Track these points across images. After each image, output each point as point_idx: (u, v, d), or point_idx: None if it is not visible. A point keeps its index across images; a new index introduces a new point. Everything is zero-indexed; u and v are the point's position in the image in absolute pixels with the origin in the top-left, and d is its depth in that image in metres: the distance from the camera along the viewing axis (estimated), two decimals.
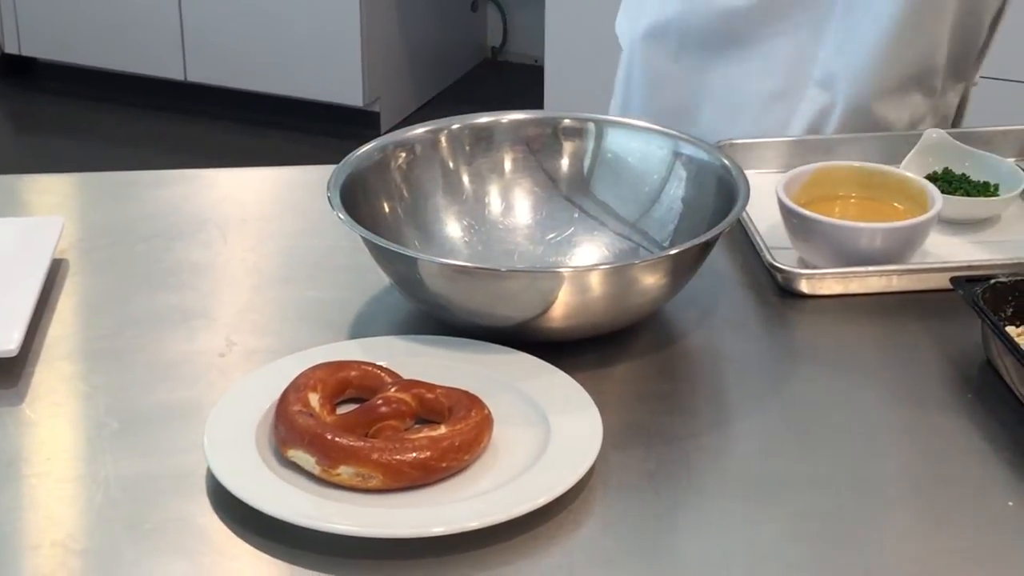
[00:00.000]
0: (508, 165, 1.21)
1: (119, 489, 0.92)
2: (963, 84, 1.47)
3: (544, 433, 0.94)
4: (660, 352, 1.08)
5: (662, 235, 1.16)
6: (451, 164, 1.20)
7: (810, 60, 1.40)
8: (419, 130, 1.19)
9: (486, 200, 1.20)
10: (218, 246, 1.24)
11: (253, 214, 1.30)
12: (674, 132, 1.18)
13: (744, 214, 1.19)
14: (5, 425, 0.99)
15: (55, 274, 1.17)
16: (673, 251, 1.04)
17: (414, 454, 0.90)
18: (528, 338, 1.03)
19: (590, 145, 1.21)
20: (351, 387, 0.98)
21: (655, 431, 0.98)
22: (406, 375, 0.98)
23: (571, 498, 0.90)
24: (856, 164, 1.25)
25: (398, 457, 0.90)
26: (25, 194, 1.37)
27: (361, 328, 1.09)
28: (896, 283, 1.15)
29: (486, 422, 0.94)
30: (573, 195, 1.21)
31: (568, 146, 1.21)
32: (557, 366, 1.00)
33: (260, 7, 3.74)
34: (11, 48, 4.16)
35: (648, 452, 0.96)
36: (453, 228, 1.18)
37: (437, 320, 1.07)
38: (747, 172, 1.13)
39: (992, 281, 1.05)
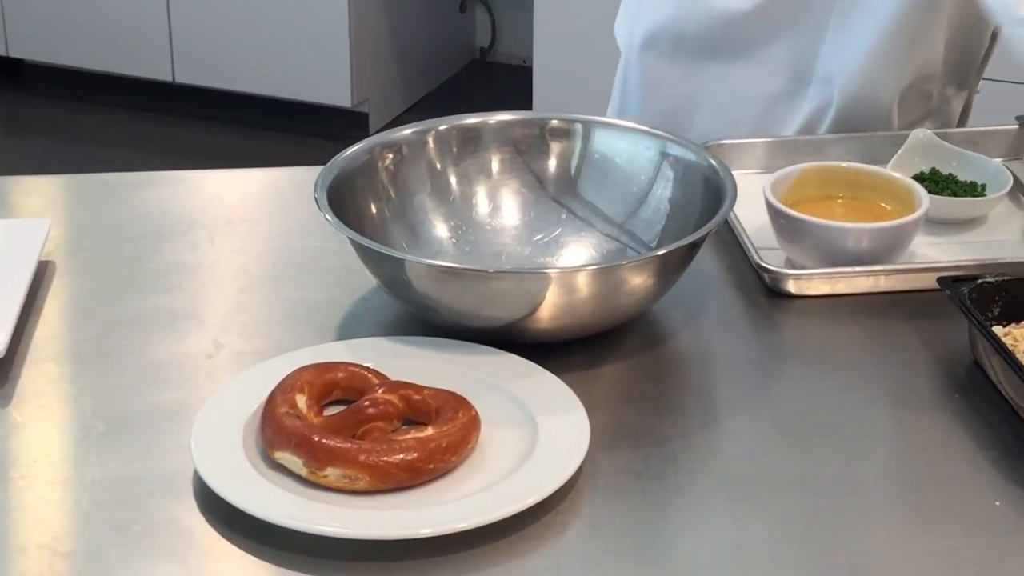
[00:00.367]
0: (496, 166, 1.21)
1: (106, 491, 0.92)
2: (966, 92, 1.47)
3: (531, 434, 0.94)
4: (648, 353, 1.08)
5: (649, 236, 1.16)
6: (438, 165, 1.20)
7: (809, 60, 1.40)
8: (406, 131, 1.19)
9: (473, 201, 1.20)
10: (206, 247, 1.23)
11: (241, 215, 1.30)
12: (661, 133, 1.18)
13: (731, 214, 1.19)
14: None
15: (42, 276, 1.16)
16: (660, 252, 1.04)
17: (401, 456, 0.90)
18: (516, 339, 1.03)
19: (577, 146, 1.21)
20: (338, 389, 0.98)
21: (643, 432, 0.98)
22: (393, 376, 0.98)
23: (558, 499, 0.90)
24: (843, 164, 1.25)
25: (385, 459, 0.90)
26: (12, 196, 1.37)
27: (348, 329, 1.09)
28: (883, 283, 1.15)
29: (473, 423, 0.94)
30: (560, 196, 1.21)
31: (555, 147, 1.21)
32: (545, 367, 1.00)
33: (248, 8, 3.74)
34: None
35: (636, 453, 0.96)
36: (440, 229, 1.18)
37: (424, 321, 1.07)
38: (734, 173, 1.13)
39: (979, 281, 1.05)
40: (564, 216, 1.20)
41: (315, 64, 3.71)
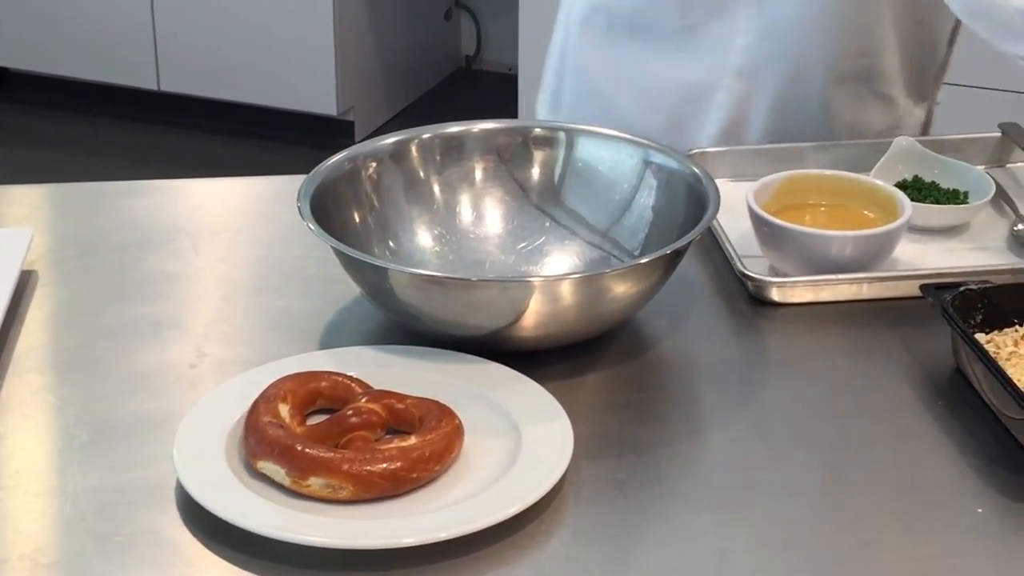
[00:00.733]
0: (479, 175, 1.21)
1: (88, 501, 0.92)
2: (926, 103, 1.47)
3: (515, 443, 0.94)
4: (631, 361, 1.08)
5: (633, 244, 1.16)
6: (422, 174, 1.20)
7: (728, 50, 1.39)
8: (389, 140, 1.19)
9: (457, 210, 1.20)
10: (189, 256, 1.23)
11: (225, 224, 1.30)
12: (644, 141, 1.18)
13: (715, 222, 1.19)
14: None
15: (24, 285, 1.16)
16: (643, 260, 1.04)
17: (384, 465, 0.90)
18: (499, 347, 1.03)
19: (561, 154, 1.21)
20: (321, 398, 0.98)
21: (626, 440, 0.98)
22: (376, 385, 0.98)
23: (542, 508, 0.90)
24: (826, 172, 1.25)
25: (368, 468, 0.89)
26: None
27: (332, 338, 1.09)
28: (866, 291, 1.15)
29: (457, 432, 0.93)
30: (544, 204, 1.21)
31: (539, 155, 1.21)
32: (528, 375, 1.00)
33: (234, 16, 3.74)
34: None
35: (619, 461, 0.96)
36: (424, 238, 1.18)
37: (408, 330, 1.07)
38: (717, 180, 1.13)
39: (962, 288, 1.05)
40: (547, 224, 1.20)
41: (300, 72, 3.71)
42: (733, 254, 1.18)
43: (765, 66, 1.38)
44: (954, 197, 1.28)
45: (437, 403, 0.95)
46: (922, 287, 1.07)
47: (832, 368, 1.08)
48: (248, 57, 3.75)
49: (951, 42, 1.45)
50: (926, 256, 1.21)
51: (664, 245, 1.05)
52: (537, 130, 1.22)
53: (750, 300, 1.15)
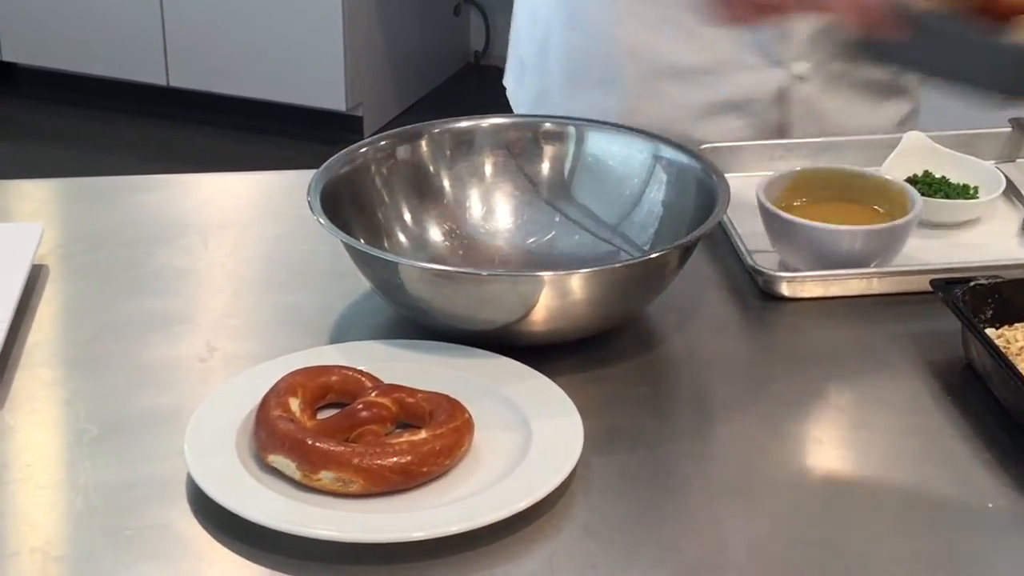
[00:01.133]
0: (489, 169, 1.21)
1: (99, 495, 0.92)
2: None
3: (525, 437, 0.94)
4: (641, 356, 1.08)
5: (643, 238, 1.16)
6: (431, 168, 1.20)
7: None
8: (399, 135, 1.19)
9: (467, 204, 1.20)
10: (199, 251, 1.23)
11: (234, 219, 1.30)
12: (654, 135, 1.18)
13: (725, 217, 1.19)
14: None
15: (35, 280, 1.16)
16: (653, 254, 1.04)
17: (395, 459, 0.90)
18: (509, 342, 1.03)
19: (570, 149, 1.21)
20: (332, 392, 0.98)
21: (636, 435, 0.98)
22: (387, 380, 0.98)
23: (552, 502, 0.90)
24: (836, 167, 1.25)
25: (379, 462, 0.90)
26: (5, 199, 1.36)
27: (342, 333, 1.09)
28: (876, 286, 1.15)
29: (467, 426, 0.93)
30: (554, 199, 1.21)
31: (548, 150, 1.21)
32: (538, 370, 1.00)
33: (243, 12, 3.74)
34: None
35: (629, 456, 0.96)
36: (434, 233, 1.18)
37: (418, 325, 1.07)
38: (727, 175, 1.13)
39: (972, 283, 1.05)
40: (557, 219, 1.20)
41: (309, 68, 3.71)
42: (743, 249, 1.18)
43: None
44: (964, 192, 1.28)
45: (447, 397, 0.96)
46: (932, 282, 1.07)
47: (842, 363, 1.08)
48: (257, 52, 3.75)
49: None
50: (936, 251, 1.21)
51: (674, 240, 1.05)
52: (547, 125, 1.22)
53: (760, 295, 1.15)
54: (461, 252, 1.17)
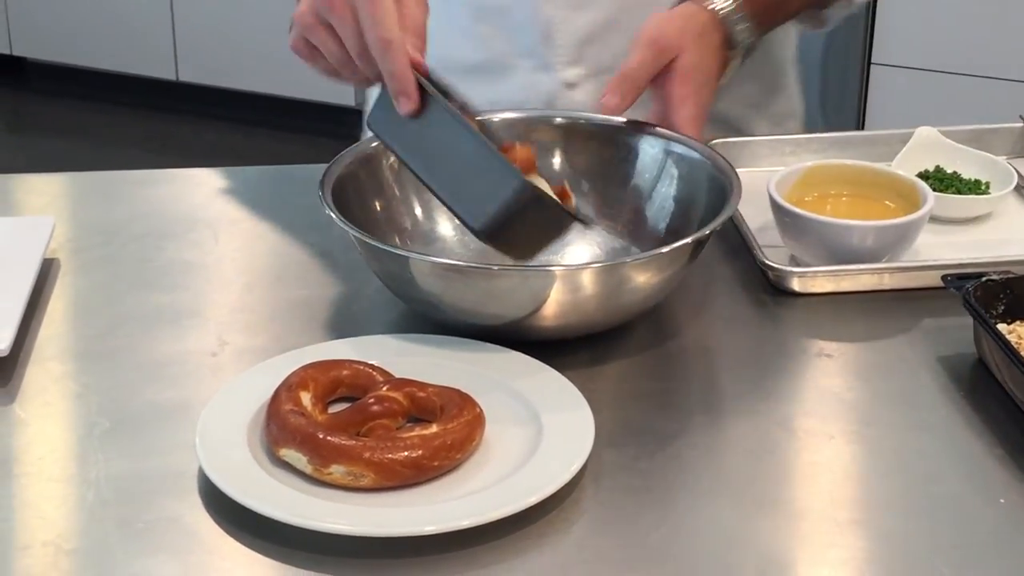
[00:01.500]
0: None
1: (110, 488, 0.92)
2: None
3: (536, 432, 0.94)
4: (652, 350, 1.08)
5: (654, 233, 1.16)
6: None
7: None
8: None
9: None
10: (209, 245, 1.23)
11: (244, 213, 1.30)
12: (665, 131, 1.18)
13: (736, 212, 1.19)
14: None
15: (46, 274, 1.16)
16: (665, 249, 1.04)
17: (406, 453, 0.90)
18: (520, 337, 1.03)
19: (582, 144, 1.21)
20: (343, 386, 0.98)
21: (647, 429, 0.98)
22: (398, 374, 0.98)
23: (563, 497, 0.90)
24: (848, 162, 1.25)
25: (390, 456, 0.90)
26: (15, 194, 1.37)
27: (352, 327, 1.09)
28: (888, 281, 1.15)
29: (478, 421, 0.93)
30: None
31: (561, 143, 1.21)
32: (549, 364, 1.00)
33: (251, 7, 3.74)
34: (2, 48, 4.16)
35: (640, 450, 0.96)
36: (444, 227, 1.18)
37: (429, 319, 1.07)
38: (739, 170, 1.13)
39: (983, 279, 1.05)
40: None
41: None
42: (754, 244, 1.18)
43: None
44: (976, 187, 1.27)
45: (458, 392, 0.96)
46: (944, 277, 1.07)
47: (853, 358, 1.08)
48: (266, 47, 3.76)
49: None
50: (947, 246, 1.21)
51: (685, 234, 1.05)
52: (558, 119, 1.22)
53: (771, 290, 1.15)
54: (472, 246, 1.17)
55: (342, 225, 1.05)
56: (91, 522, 0.90)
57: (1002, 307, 1.05)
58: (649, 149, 1.18)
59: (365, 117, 1.16)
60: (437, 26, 1.25)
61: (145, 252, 1.22)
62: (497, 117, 1.21)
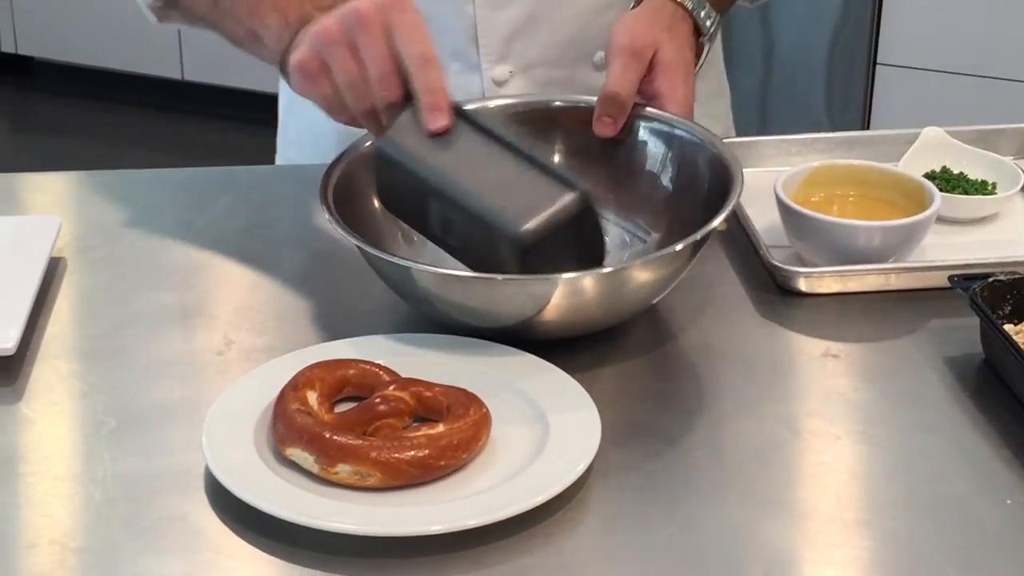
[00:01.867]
0: None
1: (117, 487, 0.92)
2: None
3: (542, 431, 0.94)
4: (657, 349, 1.08)
5: (656, 225, 1.15)
6: None
7: None
8: None
9: None
10: (215, 245, 1.23)
11: (250, 213, 1.30)
12: (668, 121, 1.17)
13: (743, 212, 1.19)
14: (2, 423, 0.99)
15: (52, 273, 1.17)
16: (664, 252, 1.03)
17: (412, 452, 0.90)
18: (522, 337, 1.03)
19: (583, 134, 1.20)
20: (349, 385, 0.98)
21: (653, 429, 0.98)
22: (404, 374, 0.98)
23: (569, 496, 0.90)
24: (854, 162, 1.25)
25: (396, 455, 0.90)
26: (22, 192, 1.37)
27: (359, 327, 1.09)
28: (894, 281, 1.15)
29: (484, 420, 0.93)
30: None
31: (563, 136, 1.20)
32: (554, 364, 1.00)
33: None
34: (8, 47, 4.16)
35: (646, 450, 0.96)
36: None
37: (434, 320, 1.07)
38: (745, 170, 1.12)
39: (990, 279, 1.05)
40: None
41: None
42: (760, 244, 1.17)
43: None
44: (982, 188, 1.27)
45: (464, 391, 0.96)
46: (951, 278, 1.07)
47: (859, 358, 1.08)
48: None
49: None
50: (954, 247, 1.21)
51: (688, 225, 1.04)
52: (557, 103, 1.21)
53: (777, 290, 1.15)
54: None
55: (342, 232, 1.04)
56: (97, 521, 0.90)
57: (1009, 307, 1.05)
58: (651, 139, 1.18)
59: None
60: None
61: (151, 251, 1.22)
62: (493, 104, 1.21)
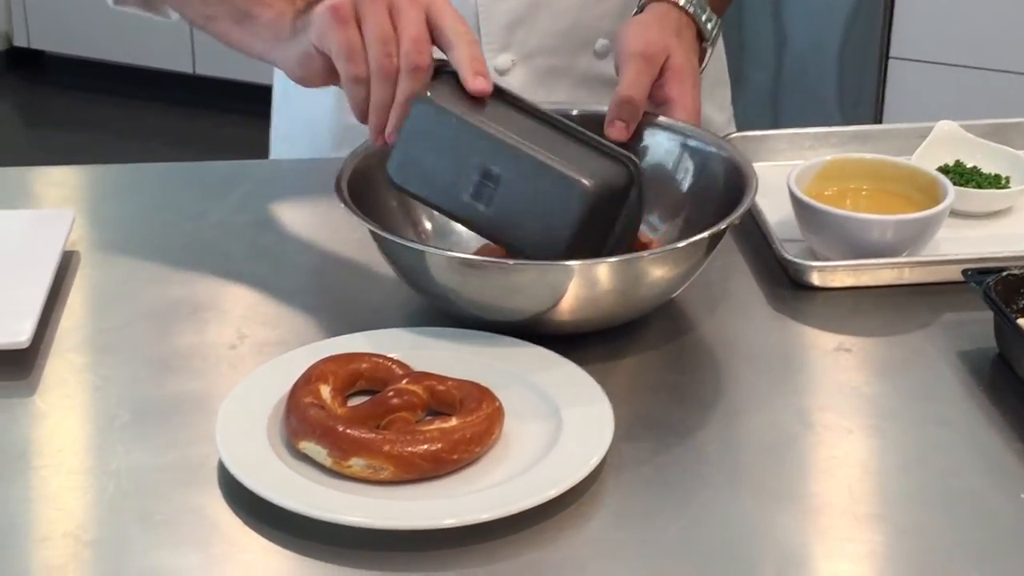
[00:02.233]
0: None
1: (130, 480, 0.92)
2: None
3: (555, 425, 0.94)
4: (670, 344, 1.08)
5: (670, 227, 1.15)
6: None
7: None
8: None
9: None
10: (227, 238, 1.23)
11: (262, 206, 1.30)
12: (681, 125, 1.18)
13: (755, 206, 1.19)
14: (16, 416, 0.99)
15: (66, 266, 1.17)
16: (681, 244, 1.04)
17: (425, 446, 0.90)
18: (537, 331, 1.03)
19: (598, 136, 1.20)
20: (362, 379, 0.98)
21: (666, 423, 0.98)
22: (417, 367, 0.98)
23: (582, 490, 0.90)
24: (868, 156, 1.25)
25: (409, 449, 0.90)
26: (35, 186, 1.37)
27: (372, 321, 1.09)
28: (907, 275, 1.15)
29: (497, 414, 0.93)
30: None
31: None
32: (567, 358, 1.00)
33: None
34: (20, 41, 4.17)
35: (659, 444, 0.96)
36: None
37: (446, 313, 1.07)
38: (758, 164, 1.13)
39: (1004, 273, 1.05)
40: None
41: None
42: (773, 238, 1.17)
43: None
44: (996, 182, 1.27)
45: (477, 385, 0.96)
46: (964, 272, 1.07)
47: (872, 353, 1.08)
48: None
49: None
50: (968, 241, 1.21)
51: (702, 228, 1.05)
52: (574, 112, 1.22)
53: (790, 284, 1.15)
54: (489, 240, 1.16)
55: (359, 220, 1.05)
56: (111, 514, 0.90)
57: (1022, 301, 1.05)
58: (665, 143, 1.18)
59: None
60: None
61: (164, 245, 1.22)
62: None
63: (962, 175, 1.27)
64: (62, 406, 1.01)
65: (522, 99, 1.07)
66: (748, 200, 1.07)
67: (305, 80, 1.13)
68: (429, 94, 1.04)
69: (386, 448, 0.89)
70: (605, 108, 1.18)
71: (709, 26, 1.24)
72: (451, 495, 0.89)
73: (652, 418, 0.99)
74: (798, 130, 1.38)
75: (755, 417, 1.00)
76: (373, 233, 1.05)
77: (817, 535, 0.90)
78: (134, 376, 1.04)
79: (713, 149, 1.15)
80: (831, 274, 1.14)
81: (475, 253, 1.10)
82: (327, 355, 0.98)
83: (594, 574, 0.85)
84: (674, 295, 1.09)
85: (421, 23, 1.05)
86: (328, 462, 0.90)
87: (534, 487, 0.88)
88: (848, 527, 0.89)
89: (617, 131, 1.16)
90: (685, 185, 1.17)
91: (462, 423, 0.92)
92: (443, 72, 1.06)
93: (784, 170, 1.21)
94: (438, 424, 0.92)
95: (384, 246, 1.06)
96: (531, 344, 1.02)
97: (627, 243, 1.07)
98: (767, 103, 3.18)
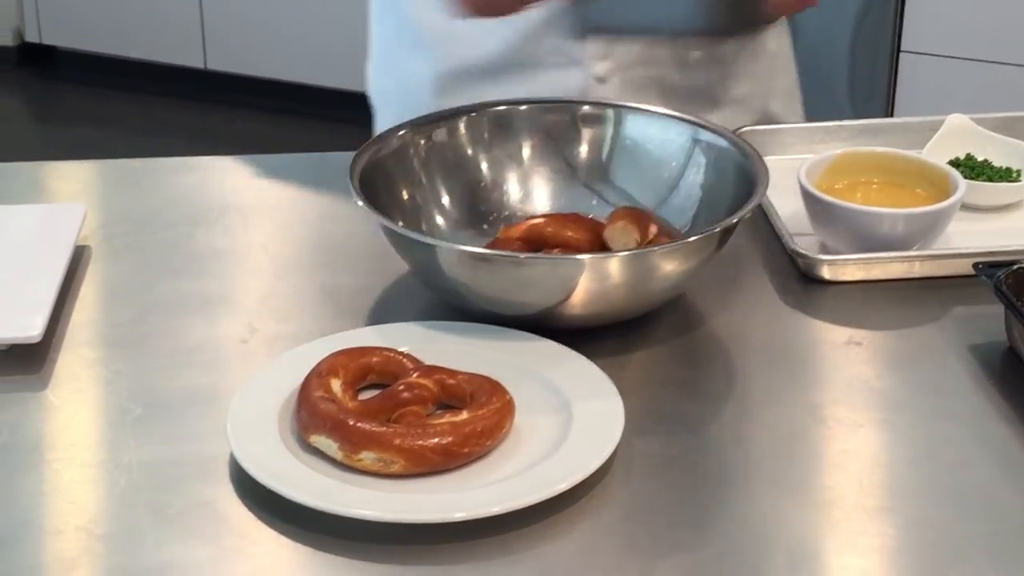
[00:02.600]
0: (527, 152, 1.21)
1: (142, 474, 0.93)
2: None
3: (566, 419, 0.94)
4: (681, 338, 1.08)
5: (681, 222, 1.15)
6: (469, 151, 1.20)
7: None
8: (437, 118, 1.19)
9: (505, 187, 1.20)
10: (239, 232, 1.24)
11: (274, 201, 1.31)
12: (692, 119, 1.18)
13: (765, 200, 1.19)
14: (29, 410, 1.00)
15: (78, 261, 1.17)
16: (692, 238, 1.04)
17: (436, 440, 0.90)
18: (548, 325, 1.03)
19: (609, 132, 1.21)
20: (373, 373, 0.98)
21: (676, 417, 0.98)
22: (427, 361, 0.99)
23: (593, 484, 0.90)
24: (878, 150, 1.25)
25: (420, 443, 0.90)
26: (47, 181, 1.38)
27: (382, 314, 1.09)
28: (918, 269, 1.15)
29: (508, 408, 0.94)
30: (592, 182, 1.21)
31: (587, 133, 1.21)
32: (578, 352, 1.00)
33: None
34: (32, 36, 4.17)
35: (670, 438, 0.96)
36: (472, 215, 1.18)
37: (457, 307, 1.07)
38: (768, 158, 1.13)
39: (1015, 266, 1.05)
40: (595, 202, 1.20)
41: (346, 50, 3.71)
42: (784, 232, 1.17)
43: None
44: (1007, 175, 1.27)
45: (488, 379, 0.96)
46: (975, 265, 1.07)
47: (883, 346, 1.08)
48: (294, 36, 3.76)
49: None
50: (978, 234, 1.20)
51: (712, 223, 1.05)
52: (585, 108, 1.22)
53: (800, 278, 1.15)
54: (499, 235, 1.17)
55: (371, 213, 1.05)
56: (123, 507, 0.90)
57: None
58: (676, 137, 1.18)
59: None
60: (463, 27, 1.25)
61: (176, 239, 1.22)
62: (523, 106, 1.21)
63: (973, 169, 1.27)
64: (74, 400, 1.01)
65: None
66: (759, 194, 1.07)
67: None
68: None
69: (397, 442, 0.90)
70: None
71: None
72: (462, 489, 0.89)
73: (663, 412, 0.99)
74: (809, 124, 1.38)
75: (766, 411, 1.00)
76: (384, 227, 1.05)
77: (828, 528, 0.90)
78: (146, 370, 1.04)
79: (724, 143, 1.16)
80: (842, 268, 1.14)
81: (486, 247, 1.10)
82: (338, 349, 0.99)
83: (605, 567, 0.85)
84: (685, 289, 1.10)
85: None
86: (339, 456, 0.90)
87: (545, 481, 0.88)
88: (859, 520, 0.90)
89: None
90: (696, 179, 1.17)
91: (473, 417, 0.92)
92: None
93: (795, 164, 1.21)
94: (449, 418, 0.92)
95: (395, 240, 1.06)
96: (542, 338, 1.02)
97: None
98: None
